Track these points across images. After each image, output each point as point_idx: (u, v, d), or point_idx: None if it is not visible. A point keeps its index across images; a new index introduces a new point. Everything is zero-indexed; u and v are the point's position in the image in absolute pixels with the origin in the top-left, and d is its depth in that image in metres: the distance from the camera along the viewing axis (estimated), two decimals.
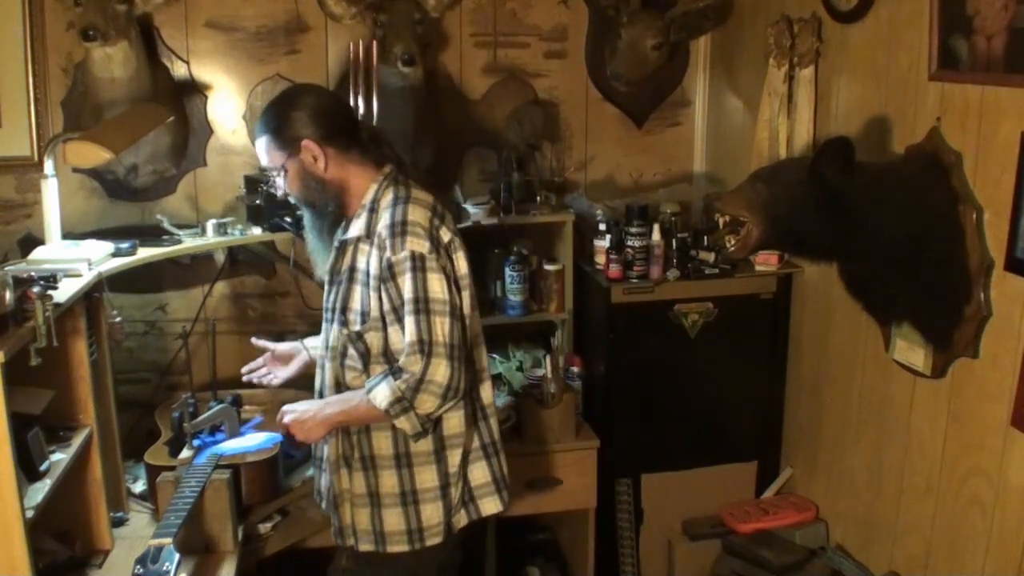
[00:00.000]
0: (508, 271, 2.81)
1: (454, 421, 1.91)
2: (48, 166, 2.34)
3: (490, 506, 2.02)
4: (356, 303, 1.88)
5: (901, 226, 1.94)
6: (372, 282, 1.84)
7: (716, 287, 2.77)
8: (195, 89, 2.81)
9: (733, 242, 2.05)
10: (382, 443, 1.91)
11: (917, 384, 2.19)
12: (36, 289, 1.76)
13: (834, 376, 2.57)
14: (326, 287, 1.99)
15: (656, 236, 2.73)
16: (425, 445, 1.90)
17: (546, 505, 2.74)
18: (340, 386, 1.94)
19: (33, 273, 1.91)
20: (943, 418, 2.11)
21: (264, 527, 2.32)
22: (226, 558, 2.10)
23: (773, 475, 2.89)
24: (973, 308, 1.96)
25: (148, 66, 2.57)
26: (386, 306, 1.83)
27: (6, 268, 1.94)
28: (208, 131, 2.85)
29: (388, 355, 1.86)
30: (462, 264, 1.89)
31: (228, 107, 2.85)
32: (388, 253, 1.80)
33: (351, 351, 1.89)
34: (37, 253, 2.24)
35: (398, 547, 1.93)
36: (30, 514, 1.71)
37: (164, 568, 1.80)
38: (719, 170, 3.14)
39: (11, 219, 2.71)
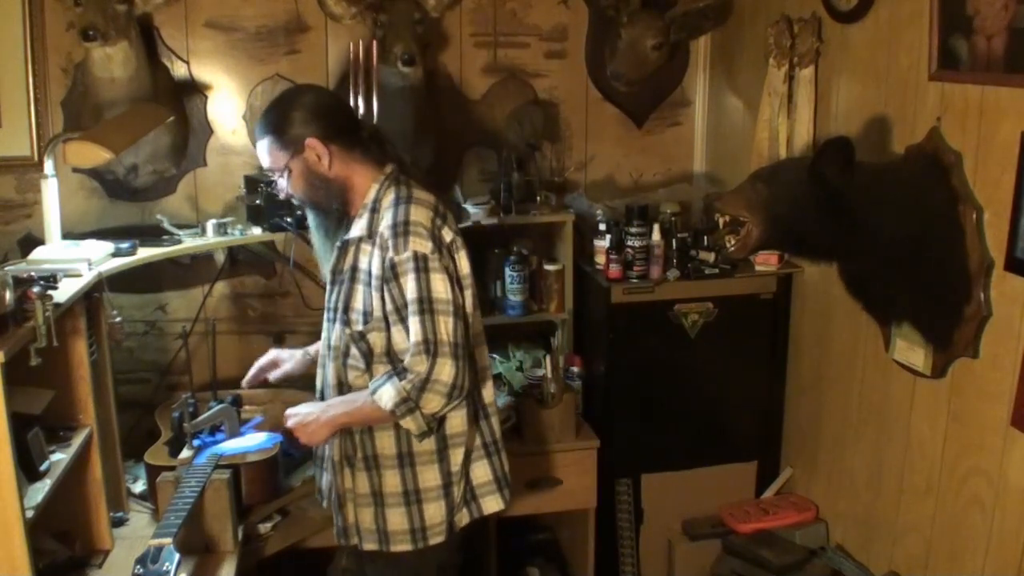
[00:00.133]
0: (508, 271, 2.81)
1: (456, 420, 1.92)
2: (48, 166, 2.34)
3: (492, 504, 2.02)
4: (358, 303, 1.88)
5: (901, 226, 1.94)
6: (374, 282, 1.84)
7: (716, 287, 2.77)
8: (195, 89, 2.81)
9: (733, 242, 2.05)
10: (385, 443, 1.91)
11: (917, 384, 2.19)
12: (36, 289, 1.76)
13: (834, 376, 2.57)
14: (328, 287, 1.99)
15: (656, 236, 2.73)
16: (428, 444, 1.90)
17: (546, 505, 2.74)
18: (342, 385, 1.94)
19: (33, 273, 1.91)
20: (943, 418, 2.11)
21: (264, 527, 2.32)
22: (226, 558, 2.10)
23: (773, 475, 2.89)
24: (973, 308, 1.96)
25: (148, 66, 2.57)
26: (389, 306, 1.83)
27: (6, 268, 1.94)
28: (208, 131, 2.85)
29: (391, 355, 1.86)
30: (464, 264, 1.89)
31: (228, 107, 2.85)
32: (391, 253, 1.80)
33: (353, 351, 1.89)
34: (37, 253, 2.24)
35: (401, 546, 1.93)
36: (30, 514, 1.71)
37: (164, 568, 1.80)
38: (719, 170, 3.14)
39: (11, 219, 2.71)
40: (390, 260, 1.80)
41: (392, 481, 1.92)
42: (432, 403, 1.78)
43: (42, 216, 2.36)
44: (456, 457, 1.94)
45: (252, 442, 2.32)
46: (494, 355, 2.90)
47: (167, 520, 1.94)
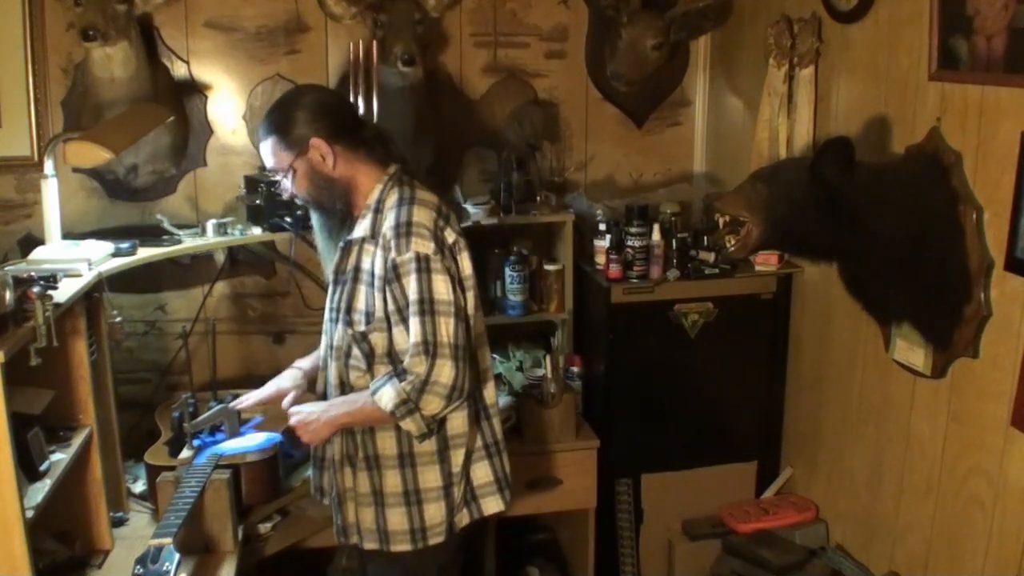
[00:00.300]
0: (508, 271, 2.81)
1: (458, 421, 1.92)
2: (48, 166, 2.34)
3: (492, 505, 2.02)
4: (361, 303, 1.88)
5: (901, 226, 1.94)
6: (377, 283, 1.84)
7: (716, 287, 2.76)
8: (195, 89, 2.81)
9: (733, 242, 2.05)
10: (386, 443, 1.91)
11: (917, 384, 2.19)
12: (36, 289, 1.76)
13: (834, 376, 2.57)
14: (330, 287, 1.99)
15: (656, 236, 2.73)
16: (429, 445, 1.90)
17: (546, 505, 2.73)
18: (344, 386, 1.94)
19: (33, 273, 1.91)
20: (943, 418, 2.11)
21: (264, 527, 2.32)
22: (226, 558, 2.10)
23: (773, 475, 2.89)
24: (973, 308, 1.96)
25: (148, 66, 2.57)
26: (391, 306, 1.83)
27: (6, 268, 1.94)
28: (208, 131, 2.85)
29: (392, 355, 1.86)
30: (466, 265, 1.89)
31: (228, 107, 2.85)
32: (393, 254, 1.80)
33: (355, 351, 1.89)
34: (37, 253, 2.24)
35: (401, 546, 1.93)
36: (30, 514, 1.71)
37: (164, 568, 1.80)
38: (719, 170, 3.14)
39: (11, 219, 2.71)
40: (392, 261, 1.80)
41: (393, 481, 1.92)
42: (431, 404, 1.78)
43: (42, 216, 2.36)
44: (457, 458, 1.94)
45: (252, 442, 2.32)
46: (494, 355, 2.90)
47: (167, 520, 1.94)
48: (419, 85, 2.73)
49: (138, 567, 1.81)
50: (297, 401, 2.11)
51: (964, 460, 2.06)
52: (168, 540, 1.85)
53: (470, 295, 1.89)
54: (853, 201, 1.92)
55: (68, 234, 2.49)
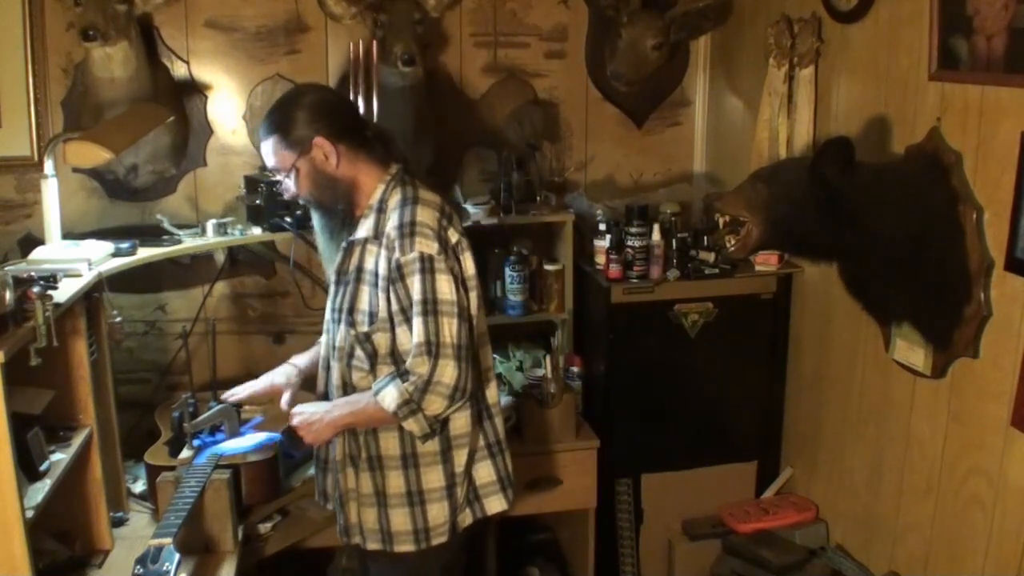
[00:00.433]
0: (508, 271, 2.81)
1: (461, 421, 1.92)
2: (48, 166, 2.34)
3: (495, 505, 2.02)
4: (364, 304, 1.87)
5: (901, 226, 1.94)
6: (380, 283, 1.84)
7: (716, 287, 2.76)
8: (195, 89, 2.81)
9: (733, 242, 2.05)
10: (389, 443, 1.91)
11: (917, 384, 2.19)
12: (36, 289, 1.76)
13: (834, 376, 2.57)
14: (332, 288, 1.98)
15: (656, 236, 2.73)
16: (432, 445, 1.90)
17: (546, 505, 2.73)
18: (347, 386, 1.94)
19: (33, 273, 1.91)
20: (943, 418, 2.11)
21: (264, 527, 2.32)
22: (226, 558, 2.10)
23: (773, 475, 2.89)
24: (973, 308, 1.96)
25: (148, 66, 2.57)
26: (394, 307, 1.82)
27: (6, 268, 1.94)
28: (208, 131, 2.85)
29: (395, 356, 1.86)
30: (469, 265, 1.89)
31: (228, 107, 2.85)
32: (397, 254, 1.80)
33: (358, 352, 1.89)
34: (37, 253, 2.24)
35: (404, 547, 1.93)
36: (30, 514, 1.71)
37: (164, 568, 1.80)
38: (719, 170, 3.14)
39: (11, 219, 2.71)
40: (396, 261, 1.80)
41: (396, 482, 1.92)
42: (434, 405, 1.78)
43: (42, 216, 2.36)
44: (460, 458, 1.94)
45: (252, 442, 2.32)
46: (494, 355, 2.89)
47: (167, 520, 1.94)
48: (419, 85, 2.73)
49: (138, 567, 1.81)
50: (294, 400, 2.11)
51: (964, 460, 2.06)
52: (168, 540, 1.85)
53: (473, 295, 1.89)
54: (853, 201, 1.92)
55: (68, 234, 2.49)
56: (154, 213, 2.75)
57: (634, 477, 2.88)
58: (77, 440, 2.04)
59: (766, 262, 2.75)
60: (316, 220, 1.99)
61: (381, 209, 1.88)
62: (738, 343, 2.82)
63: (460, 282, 1.84)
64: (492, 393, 2.02)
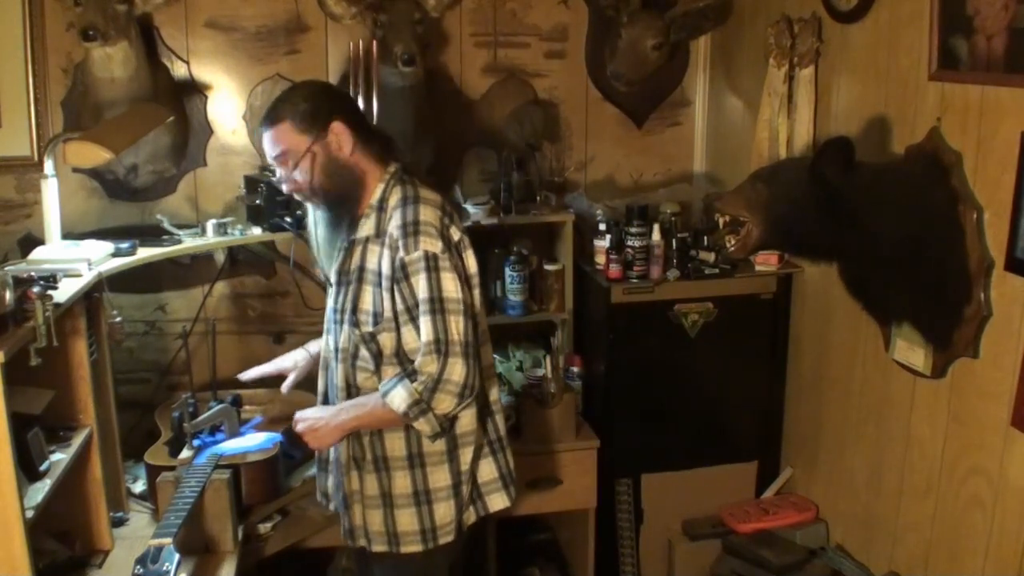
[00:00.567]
0: (508, 271, 2.81)
1: (466, 419, 1.92)
2: (48, 166, 2.34)
3: (497, 502, 2.02)
4: (367, 304, 1.87)
5: (901, 226, 1.94)
6: (384, 282, 1.83)
7: (716, 287, 2.76)
8: (195, 89, 2.81)
9: (733, 242, 2.05)
10: (395, 444, 1.91)
11: (917, 384, 2.19)
12: (36, 289, 1.76)
13: (834, 376, 2.57)
14: (333, 288, 1.97)
15: (656, 236, 2.73)
16: (438, 445, 1.90)
17: (546, 505, 2.73)
18: (350, 388, 1.93)
19: (33, 273, 1.90)
20: (943, 418, 2.11)
21: (264, 527, 2.32)
22: (226, 558, 2.10)
23: (773, 475, 2.89)
24: (973, 308, 1.96)
25: (148, 66, 2.57)
26: (399, 306, 1.82)
27: (6, 268, 1.94)
28: (208, 131, 2.85)
29: (400, 355, 1.85)
30: (471, 263, 1.89)
31: (228, 107, 2.85)
32: (401, 253, 1.79)
33: (363, 352, 1.88)
34: (37, 253, 2.24)
35: (412, 547, 1.93)
36: (30, 514, 1.71)
37: (164, 568, 1.80)
38: (719, 170, 3.14)
39: (11, 219, 2.71)
40: (400, 260, 1.80)
41: (402, 482, 1.91)
42: (444, 403, 1.78)
43: (42, 216, 2.36)
44: (466, 456, 1.93)
45: (252, 442, 2.32)
46: (494, 355, 2.90)
47: (167, 520, 1.94)
48: (419, 85, 2.73)
49: (138, 567, 1.81)
50: (298, 397, 2.11)
51: (964, 460, 2.06)
52: (168, 540, 1.85)
53: (476, 293, 1.89)
54: (853, 201, 1.92)
55: (68, 234, 2.49)
56: (154, 213, 2.75)
57: (634, 477, 2.88)
58: (77, 440, 2.04)
59: (766, 262, 2.75)
60: (322, 215, 1.93)
61: (381, 208, 1.87)
62: (738, 343, 2.82)
63: (464, 280, 1.84)
64: (493, 391, 2.03)
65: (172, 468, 2.23)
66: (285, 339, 2.98)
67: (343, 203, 1.89)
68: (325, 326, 2.03)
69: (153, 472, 2.30)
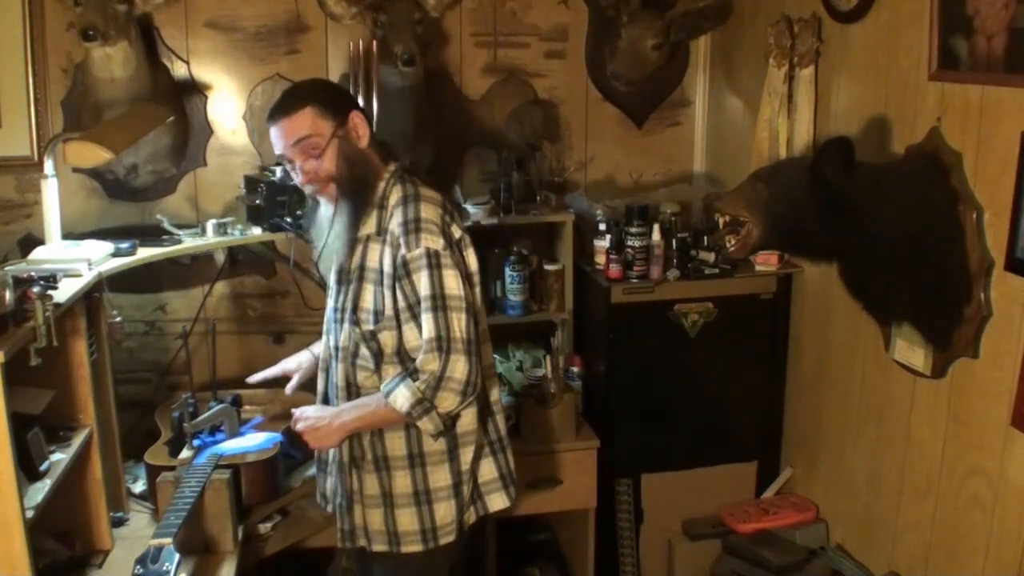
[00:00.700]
0: (508, 271, 2.81)
1: (467, 419, 1.92)
2: (48, 166, 2.34)
3: (497, 502, 2.03)
4: (368, 302, 1.87)
5: (901, 226, 1.94)
6: (386, 280, 1.83)
7: (716, 287, 2.76)
8: (195, 89, 2.81)
9: (733, 242, 2.05)
10: (396, 444, 1.90)
11: (917, 384, 2.19)
12: (36, 289, 1.76)
13: (834, 376, 2.57)
14: (333, 287, 1.97)
15: (656, 236, 2.73)
16: (439, 444, 1.90)
17: (546, 505, 2.73)
18: (351, 387, 1.93)
19: (33, 273, 1.90)
20: (943, 418, 2.11)
21: (264, 527, 2.32)
22: (226, 558, 2.10)
23: (773, 475, 2.89)
24: (973, 308, 1.96)
25: (148, 66, 2.57)
26: (401, 304, 1.82)
27: (6, 268, 1.94)
28: (208, 131, 2.85)
29: (401, 354, 1.85)
30: (472, 261, 1.89)
31: (228, 107, 2.85)
32: (403, 251, 1.80)
33: (363, 351, 1.88)
34: (37, 253, 2.24)
35: (412, 547, 1.93)
36: (30, 514, 1.71)
37: (164, 568, 1.80)
38: (719, 170, 3.14)
39: (11, 219, 2.71)
40: (402, 257, 1.80)
41: (402, 482, 1.91)
42: (447, 401, 1.78)
43: (42, 216, 2.36)
44: (466, 456, 1.93)
45: (252, 442, 2.32)
46: (494, 355, 2.89)
47: (167, 520, 1.94)
48: (419, 85, 2.73)
49: (138, 567, 1.81)
50: (297, 397, 2.10)
51: (964, 460, 2.06)
52: (168, 540, 1.85)
53: (476, 291, 1.89)
54: (853, 201, 1.92)
55: (68, 234, 2.49)
56: (154, 213, 2.75)
57: (634, 477, 2.88)
58: (77, 440, 2.04)
59: (766, 262, 2.75)
60: (339, 208, 1.87)
61: (382, 206, 1.87)
62: (738, 343, 2.82)
63: (465, 277, 1.84)
64: (494, 391, 2.03)
65: (172, 468, 2.23)
66: (285, 339, 2.99)
67: (362, 194, 1.87)
68: (325, 326, 2.03)
69: (153, 472, 2.30)
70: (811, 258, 2.34)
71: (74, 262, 2.13)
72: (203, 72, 2.81)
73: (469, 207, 2.82)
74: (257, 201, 2.63)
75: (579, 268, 2.92)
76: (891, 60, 2.20)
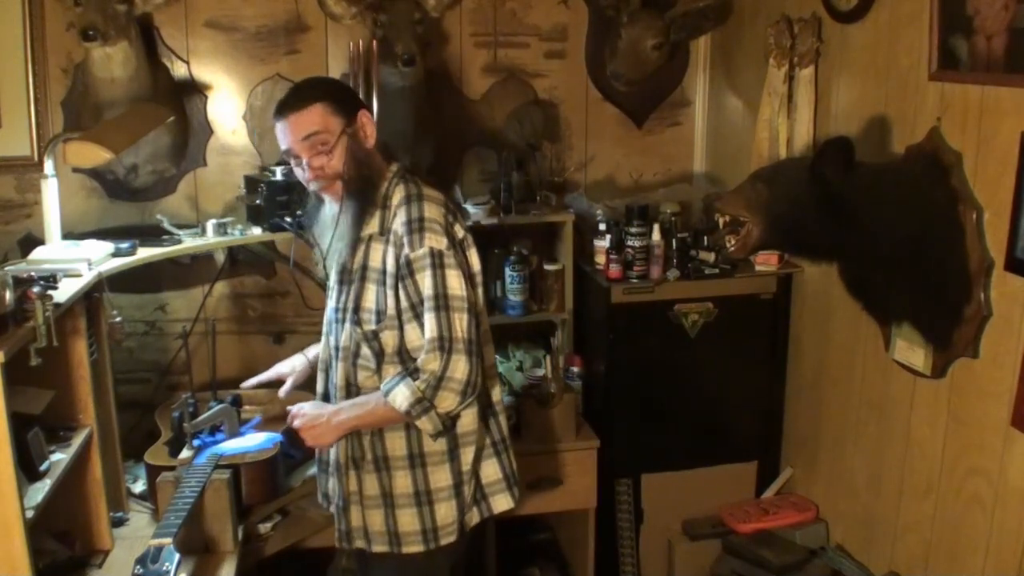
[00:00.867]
0: (508, 271, 2.81)
1: (467, 419, 1.91)
2: (48, 166, 2.34)
3: (501, 503, 2.02)
4: (370, 302, 1.87)
5: (901, 226, 1.94)
6: (389, 280, 1.83)
7: (716, 287, 2.76)
8: (195, 89, 2.81)
9: (733, 242, 2.05)
10: (396, 444, 1.90)
11: (917, 384, 2.19)
12: (36, 289, 1.76)
13: (834, 376, 2.57)
14: (335, 287, 1.97)
15: (656, 236, 2.73)
16: (439, 444, 1.89)
17: (546, 505, 2.73)
18: (351, 387, 1.93)
19: (33, 273, 1.90)
20: (943, 418, 2.11)
21: (264, 527, 2.32)
22: (226, 558, 2.10)
23: (773, 475, 2.89)
24: (973, 308, 1.96)
25: (148, 66, 2.57)
26: (403, 303, 1.82)
27: (6, 268, 1.94)
28: (208, 131, 2.85)
29: (403, 354, 1.85)
30: (475, 261, 1.89)
31: (228, 107, 2.85)
32: (406, 250, 1.79)
33: (364, 351, 1.88)
34: (37, 253, 2.24)
35: (413, 548, 1.92)
36: (30, 514, 1.71)
37: (164, 568, 1.80)
38: (719, 170, 3.14)
39: (11, 219, 2.71)
40: (405, 257, 1.80)
41: (403, 482, 1.91)
42: (447, 401, 1.78)
43: (42, 216, 2.36)
44: (467, 456, 1.93)
45: (252, 442, 2.32)
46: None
47: (167, 520, 1.94)
48: (419, 85, 2.73)
49: (138, 567, 1.81)
50: (293, 390, 2.10)
51: (964, 460, 2.06)
52: (168, 540, 1.85)
53: (479, 291, 1.89)
54: (853, 201, 1.92)
55: (68, 234, 2.49)
56: (154, 213, 2.75)
57: (634, 477, 2.88)
58: (77, 440, 2.04)
59: (766, 262, 2.75)
60: (345, 206, 1.85)
61: (385, 206, 1.87)
62: (738, 343, 2.82)
63: (467, 277, 1.84)
64: (496, 391, 2.02)
65: (172, 468, 2.23)
66: (285, 339, 2.99)
67: (368, 194, 1.87)
68: (324, 327, 2.03)
69: (153, 472, 2.30)
70: (811, 258, 2.34)
71: (74, 262, 2.13)
72: (203, 72, 2.81)
73: (469, 207, 2.82)
74: (257, 201, 2.63)
75: (579, 268, 2.92)
76: (891, 60, 2.20)
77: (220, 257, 2.90)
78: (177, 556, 1.85)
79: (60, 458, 1.94)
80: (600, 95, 3.11)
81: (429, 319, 1.78)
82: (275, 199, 2.55)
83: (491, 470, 2.00)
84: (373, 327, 1.85)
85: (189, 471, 2.15)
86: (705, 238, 2.78)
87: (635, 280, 2.74)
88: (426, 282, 1.79)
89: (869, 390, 2.40)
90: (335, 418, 1.88)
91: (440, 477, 1.91)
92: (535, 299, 2.90)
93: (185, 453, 2.30)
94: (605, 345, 2.79)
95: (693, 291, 2.76)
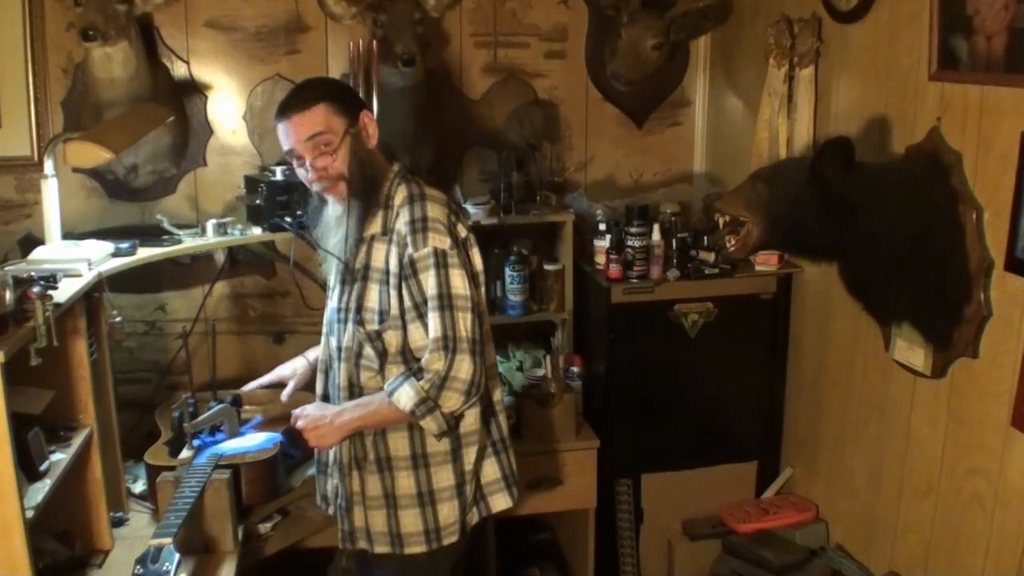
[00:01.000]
0: (508, 271, 2.81)
1: (470, 419, 1.91)
2: (48, 166, 2.34)
3: (500, 503, 2.02)
4: (373, 302, 1.86)
5: (901, 226, 1.94)
6: (392, 280, 1.83)
7: (716, 287, 2.76)
8: (195, 89, 2.81)
9: (733, 242, 2.05)
10: (399, 444, 1.90)
11: (917, 384, 2.19)
12: (36, 289, 1.76)
13: (834, 376, 2.57)
14: (337, 287, 1.96)
15: (656, 236, 2.73)
16: (443, 445, 1.89)
17: (546, 505, 2.73)
18: (353, 387, 1.93)
19: (33, 273, 1.90)
20: (943, 418, 2.11)
21: (264, 527, 2.32)
22: (226, 558, 2.10)
23: (773, 475, 2.89)
24: (973, 308, 1.96)
25: (148, 66, 2.57)
26: (407, 303, 1.82)
27: (6, 268, 1.94)
28: (208, 131, 2.85)
29: (406, 354, 1.85)
30: (477, 260, 1.90)
31: (228, 107, 2.85)
32: (410, 250, 1.79)
33: (367, 351, 1.88)
34: (37, 253, 2.24)
35: (416, 548, 1.92)
36: (30, 514, 1.71)
37: (164, 568, 1.80)
38: (719, 170, 3.14)
39: (11, 219, 2.71)
40: (409, 256, 1.80)
41: (406, 483, 1.91)
42: (451, 401, 1.78)
43: (42, 216, 2.36)
44: (470, 456, 1.93)
45: (252, 442, 2.32)
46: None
47: (167, 520, 1.94)
48: (419, 85, 2.73)
49: (138, 567, 1.81)
50: (295, 393, 2.10)
51: (964, 460, 2.06)
52: (168, 540, 1.85)
53: (481, 290, 1.90)
54: (853, 201, 1.92)
55: (68, 234, 2.49)
56: (154, 213, 2.75)
57: (634, 477, 2.88)
58: (77, 440, 2.04)
59: (766, 262, 2.75)
60: (350, 206, 1.85)
61: (388, 205, 1.87)
62: (738, 343, 2.82)
63: (471, 277, 1.84)
64: (496, 392, 2.03)
65: (172, 468, 2.23)
66: (285, 339, 2.99)
67: (372, 194, 1.86)
68: (325, 328, 2.03)
69: (153, 472, 2.30)
70: (811, 258, 2.34)
71: (74, 262, 2.13)
72: (203, 72, 2.81)
73: (469, 207, 2.82)
74: (257, 201, 2.63)
75: (579, 268, 2.92)
76: (891, 60, 2.20)
77: (220, 257, 2.90)
78: (177, 556, 1.85)
79: (60, 458, 1.94)
80: (600, 95, 3.11)
81: (433, 319, 1.78)
82: (275, 199, 2.55)
83: (490, 470, 2.00)
84: (376, 327, 1.85)
85: (189, 471, 2.15)
86: (705, 238, 2.78)
87: (635, 280, 2.74)
88: (430, 282, 1.79)
89: (869, 390, 2.40)
90: (338, 419, 1.87)
91: (443, 477, 1.91)
92: (535, 299, 2.90)
93: (185, 453, 2.30)
94: (605, 345, 2.79)
95: (693, 291, 2.76)
